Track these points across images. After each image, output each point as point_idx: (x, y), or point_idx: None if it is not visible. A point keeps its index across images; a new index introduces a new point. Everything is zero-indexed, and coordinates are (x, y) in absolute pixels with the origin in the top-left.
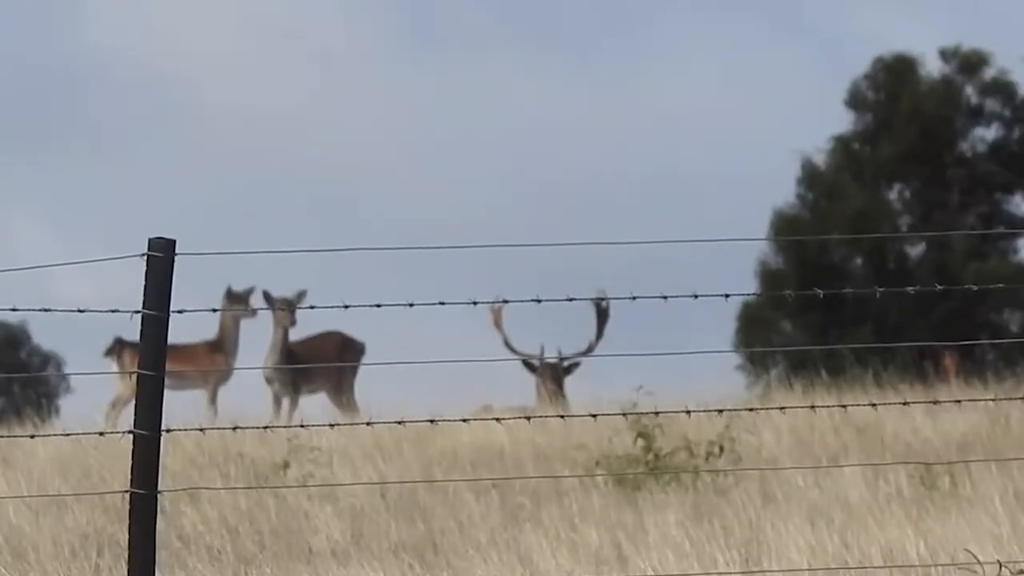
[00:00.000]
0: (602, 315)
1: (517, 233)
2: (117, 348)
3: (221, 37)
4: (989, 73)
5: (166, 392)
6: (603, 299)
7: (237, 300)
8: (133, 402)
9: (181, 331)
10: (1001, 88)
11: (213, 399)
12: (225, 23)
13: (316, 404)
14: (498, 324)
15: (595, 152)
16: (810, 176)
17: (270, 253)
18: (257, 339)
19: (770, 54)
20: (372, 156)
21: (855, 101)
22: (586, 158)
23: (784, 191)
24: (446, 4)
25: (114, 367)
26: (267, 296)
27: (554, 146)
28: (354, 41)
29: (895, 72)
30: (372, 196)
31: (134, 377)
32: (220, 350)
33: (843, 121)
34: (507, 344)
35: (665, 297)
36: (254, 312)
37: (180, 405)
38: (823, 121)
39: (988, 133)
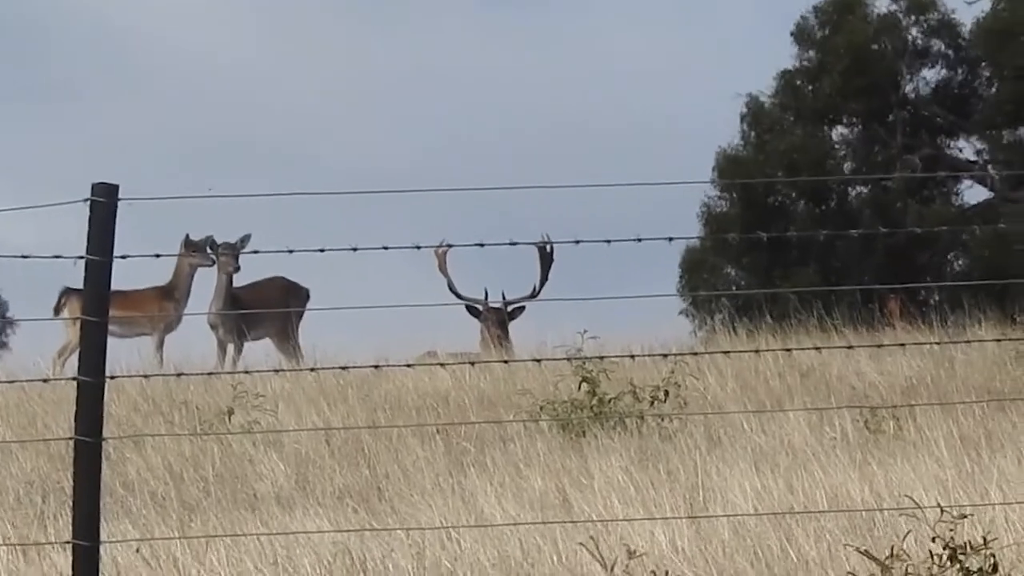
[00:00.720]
0: (546, 259)
1: (459, 181)
2: (64, 297)
3: None
4: (935, 15)
5: (114, 339)
6: (547, 243)
7: (195, 248)
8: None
9: (136, 278)
10: (946, 29)
11: (160, 346)
12: None
13: (261, 350)
14: (442, 269)
15: (532, 99)
16: (754, 114)
17: (213, 198)
18: (201, 285)
19: None
20: (316, 106)
21: (801, 36)
22: (524, 104)
23: (731, 133)
24: None
25: (64, 315)
26: (211, 242)
27: (492, 93)
28: (313, 10)
29: (842, 7)
30: (317, 146)
31: (78, 326)
32: (170, 297)
33: (789, 57)
34: (451, 289)
35: (608, 241)
36: (212, 261)
37: (127, 352)
38: (774, 59)
39: (932, 75)
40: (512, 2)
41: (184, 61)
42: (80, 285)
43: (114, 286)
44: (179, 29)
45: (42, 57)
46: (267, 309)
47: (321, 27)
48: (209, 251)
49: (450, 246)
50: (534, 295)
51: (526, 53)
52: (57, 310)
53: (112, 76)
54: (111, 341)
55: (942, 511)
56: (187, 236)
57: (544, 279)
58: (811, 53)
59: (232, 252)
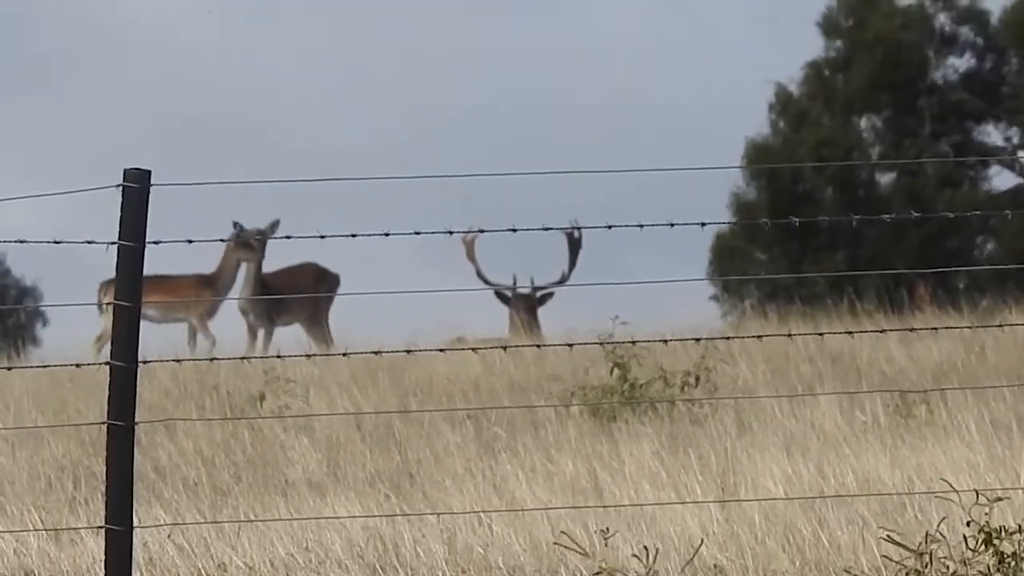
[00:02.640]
0: (574, 245)
1: (473, 164)
2: (106, 286)
3: None
4: (963, 3)
5: (151, 324)
6: (577, 228)
7: (245, 246)
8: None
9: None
10: (974, 16)
11: (194, 334)
12: None
13: (291, 335)
14: (471, 255)
15: (560, 81)
16: (783, 103)
17: (243, 184)
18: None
19: None
20: (296, 82)
21: (828, 27)
22: (551, 86)
23: (759, 121)
24: None
25: (105, 306)
26: (238, 226)
27: (512, 71)
28: None
29: None
30: (309, 126)
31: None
32: (211, 286)
33: (817, 47)
34: (480, 275)
35: (641, 226)
36: (262, 257)
37: (157, 338)
38: (801, 49)
39: (960, 62)
40: None
41: (145, 38)
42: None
43: (154, 271)
44: (137, 4)
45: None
46: (297, 295)
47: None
48: (238, 235)
49: (481, 231)
50: (563, 281)
51: (539, 28)
52: (100, 300)
53: (76, 57)
54: (146, 326)
55: (977, 495)
56: (239, 228)
57: (572, 265)
58: (839, 43)
59: (263, 238)
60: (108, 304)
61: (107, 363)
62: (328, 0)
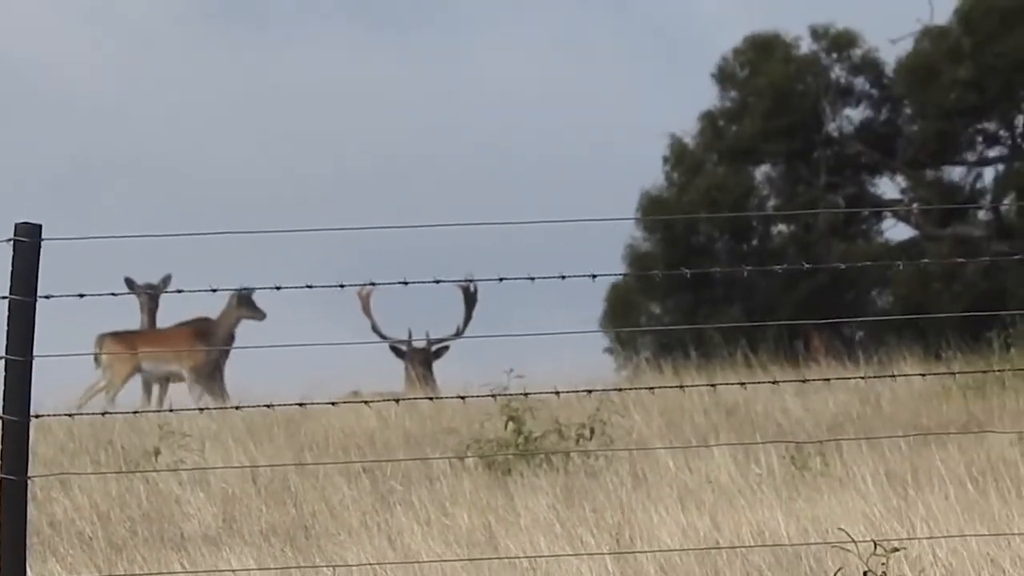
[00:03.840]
0: (470, 299)
1: (351, 216)
2: (100, 340)
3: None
4: (858, 53)
5: (148, 377)
6: (471, 281)
7: (248, 304)
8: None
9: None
10: (869, 67)
11: (192, 387)
12: None
13: (186, 390)
14: (366, 309)
15: (441, 122)
16: (677, 155)
17: (133, 238)
18: (125, 326)
19: (635, 30)
20: (190, 137)
21: (723, 77)
22: (435, 127)
23: (655, 173)
24: None
25: (101, 358)
26: (130, 282)
27: (391, 125)
28: (168, 18)
29: (763, 48)
30: (199, 176)
31: (115, 366)
32: (203, 338)
33: (711, 98)
34: (376, 329)
35: (532, 278)
36: (263, 316)
37: (51, 391)
38: (695, 101)
39: (856, 113)
40: (390, 29)
41: (27, 75)
42: (112, 328)
43: (45, 324)
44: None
45: None
46: (192, 348)
47: (194, 55)
48: (129, 290)
49: (374, 284)
50: (458, 334)
51: (422, 73)
52: (97, 356)
53: None
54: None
55: (875, 545)
56: (239, 293)
57: (468, 318)
58: (733, 93)
59: (155, 292)
60: (104, 354)
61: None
62: (211, 42)
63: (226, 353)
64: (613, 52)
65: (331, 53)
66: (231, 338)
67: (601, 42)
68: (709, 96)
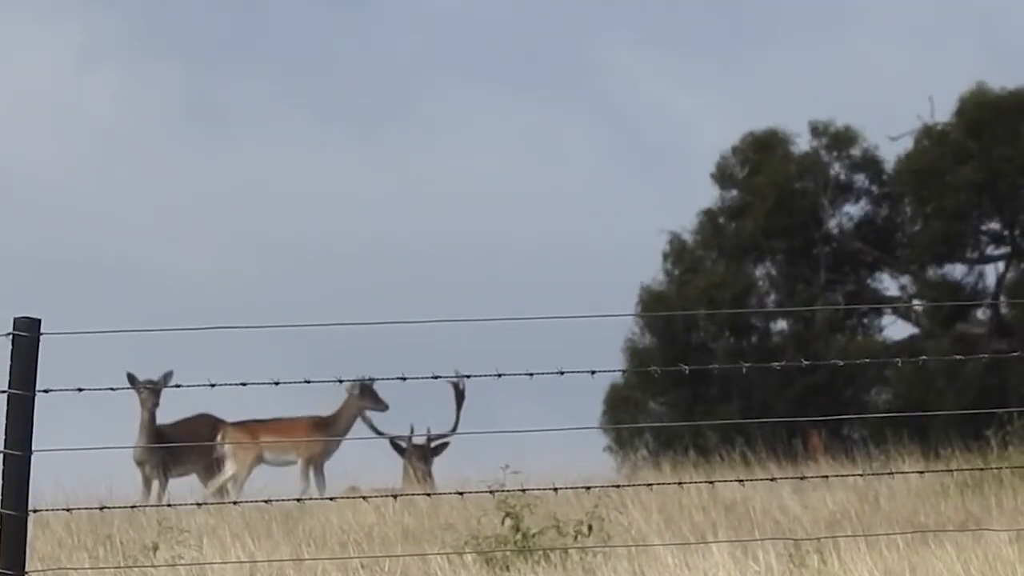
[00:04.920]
0: (459, 396)
1: (362, 313)
2: (221, 429)
3: None
4: (857, 150)
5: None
6: (466, 377)
7: (371, 395)
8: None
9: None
10: (869, 164)
11: (304, 476)
12: None
13: (186, 486)
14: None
15: (450, 230)
16: (676, 252)
17: (128, 332)
18: (125, 422)
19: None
20: (154, 235)
21: (722, 175)
22: (435, 236)
23: (654, 269)
24: (221, 80)
25: (225, 448)
26: (131, 377)
27: (362, 224)
28: (130, 119)
29: (763, 146)
30: (170, 274)
31: (239, 455)
32: (324, 429)
33: (711, 197)
34: (372, 426)
35: (531, 374)
36: (386, 407)
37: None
38: (694, 198)
39: (855, 210)
40: (353, 128)
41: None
42: (224, 416)
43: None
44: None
45: None
46: (193, 444)
47: (155, 154)
48: (130, 385)
49: (372, 380)
50: (455, 430)
51: (385, 187)
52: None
53: None
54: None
55: None
56: (361, 383)
57: (458, 415)
58: (733, 192)
59: (156, 387)
60: (223, 442)
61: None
62: (176, 144)
63: (339, 444)
64: (586, 147)
65: (292, 152)
66: (348, 429)
67: (569, 137)
68: (706, 195)
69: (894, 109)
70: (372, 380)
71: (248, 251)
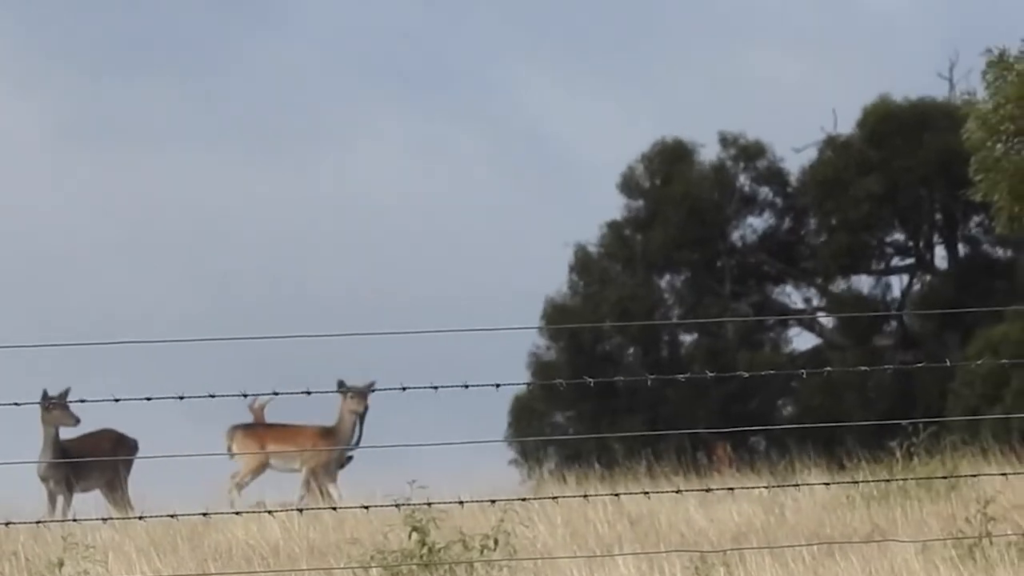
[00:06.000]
0: (362, 410)
1: (243, 329)
2: (231, 433)
3: None
4: (763, 163)
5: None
6: (372, 390)
7: (359, 394)
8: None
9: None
10: (774, 177)
11: (306, 483)
12: None
13: (90, 500)
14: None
15: (314, 248)
16: (582, 264)
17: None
18: (26, 437)
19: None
20: (59, 251)
21: (628, 186)
22: (328, 238)
23: (558, 282)
24: (120, 95)
25: (234, 449)
26: (44, 394)
27: (279, 222)
28: (31, 134)
29: (670, 157)
30: (69, 292)
31: (246, 459)
32: (328, 438)
33: (616, 207)
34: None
35: (436, 387)
36: (366, 408)
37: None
38: (598, 211)
39: (759, 222)
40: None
41: None
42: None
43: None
44: None
45: None
46: (96, 459)
47: (55, 169)
48: (37, 402)
49: (276, 394)
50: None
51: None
52: (229, 448)
53: None
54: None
55: None
56: (342, 382)
57: (360, 430)
58: (640, 202)
59: (59, 402)
60: (239, 452)
61: None
62: (79, 162)
63: (129, 464)
64: (484, 161)
65: (188, 161)
66: (349, 435)
67: (468, 149)
68: (611, 205)
69: (798, 121)
70: (276, 394)
71: (148, 267)
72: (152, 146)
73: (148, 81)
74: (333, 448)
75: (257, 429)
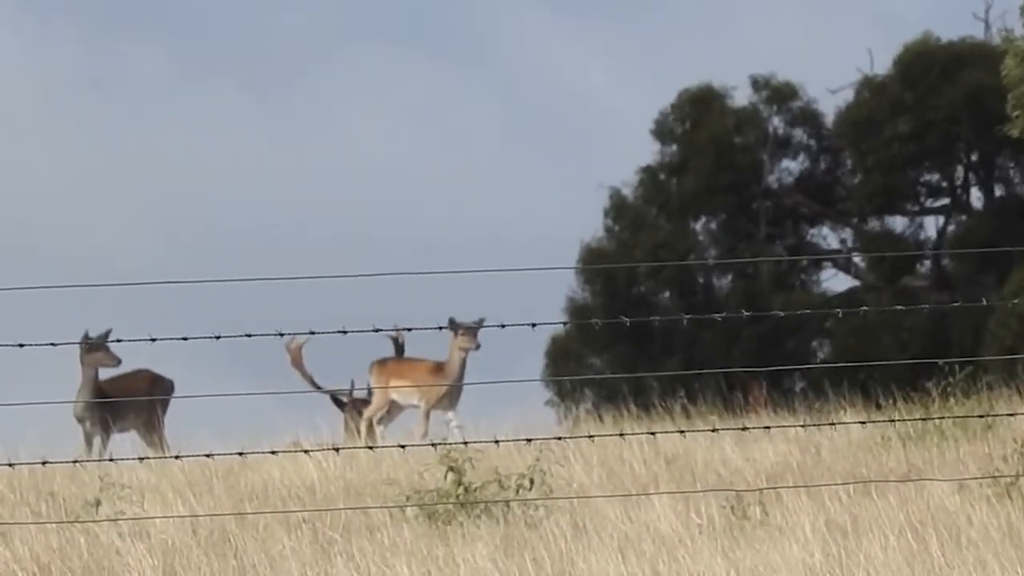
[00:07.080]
0: (399, 351)
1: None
2: (375, 366)
3: None
4: (797, 105)
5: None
6: (407, 329)
7: (465, 331)
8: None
9: None
10: (808, 118)
11: (426, 416)
12: None
13: (127, 441)
14: (296, 363)
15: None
16: (617, 208)
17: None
18: (65, 377)
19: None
20: (52, 210)
21: (661, 132)
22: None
23: (594, 226)
24: (120, 50)
25: (372, 381)
26: (85, 335)
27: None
28: (31, 90)
29: (701, 102)
30: (72, 249)
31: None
32: (441, 373)
33: (650, 153)
34: (313, 382)
35: (474, 327)
36: (478, 346)
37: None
38: (635, 154)
39: (795, 165)
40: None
41: None
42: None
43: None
44: None
45: None
46: (133, 398)
47: (55, 123)
48: (80, 345)
49: (312, 332)
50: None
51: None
52: (370, 380)
53: None
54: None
55: None
56: (458, 324)
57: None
58: (673, 148)
59: (98, 343)
60: (377, 386)
61: None
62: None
63: (165, 404)
64: (499, 117)
65: (191, 121)
66: (460, 372)
67: (491, 104)
68: (646, 151)
69: (834, 63)
70: (313, 333)
71: (152, 224)
72: (149, 106)
73: (147, 40)
74: (440, 384)
75: (388, 364)
